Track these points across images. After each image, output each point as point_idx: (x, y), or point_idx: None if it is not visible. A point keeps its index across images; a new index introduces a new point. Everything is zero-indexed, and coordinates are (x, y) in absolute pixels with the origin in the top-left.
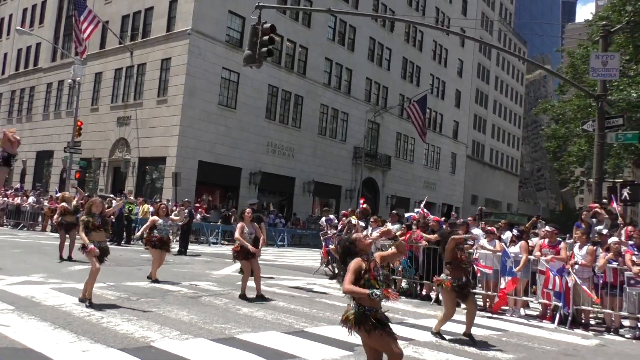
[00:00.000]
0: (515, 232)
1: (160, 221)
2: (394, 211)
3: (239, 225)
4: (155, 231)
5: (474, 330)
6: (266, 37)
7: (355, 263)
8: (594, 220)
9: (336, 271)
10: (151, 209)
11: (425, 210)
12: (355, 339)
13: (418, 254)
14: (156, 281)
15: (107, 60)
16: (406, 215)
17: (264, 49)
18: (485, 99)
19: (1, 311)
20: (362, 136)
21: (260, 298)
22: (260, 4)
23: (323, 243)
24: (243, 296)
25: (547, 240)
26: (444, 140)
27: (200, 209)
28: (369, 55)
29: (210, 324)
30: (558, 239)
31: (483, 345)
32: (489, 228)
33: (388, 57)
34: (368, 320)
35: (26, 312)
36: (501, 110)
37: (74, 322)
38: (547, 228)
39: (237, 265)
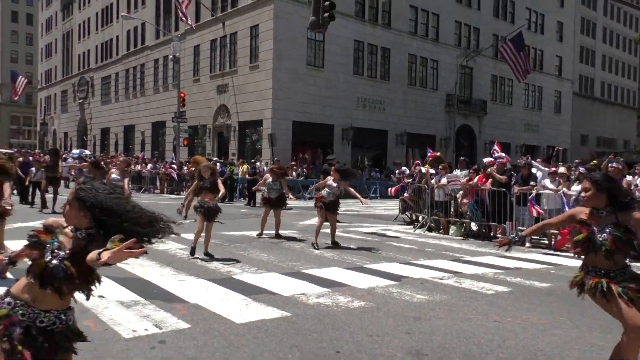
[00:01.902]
0: (581, 169)
1: (270, 180)
2: (461, 157)
3: (326, 180)
4: (265, 190)
5: (526, 265)
6: (327, 3)
7: None
8: None
9: (413, 218)
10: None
11: (496, 152)
12: (402, 270)
13: (483, 197)
14: (279, 236)
15: (203, 33)
16: (484, 160)
17: (326, 14)
18: (593, 27)
19: None
20: (454, 83)
21: (334, 244)
22: None
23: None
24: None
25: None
26: (545, 78)
27: (294, 167)
28: None
29: (284, 262)
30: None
31: (525, 274)
32: (553, 168)
33: None
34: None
35: (182, 270)
36: (612, 38)
37: (176, 261)
38: (614, 164)
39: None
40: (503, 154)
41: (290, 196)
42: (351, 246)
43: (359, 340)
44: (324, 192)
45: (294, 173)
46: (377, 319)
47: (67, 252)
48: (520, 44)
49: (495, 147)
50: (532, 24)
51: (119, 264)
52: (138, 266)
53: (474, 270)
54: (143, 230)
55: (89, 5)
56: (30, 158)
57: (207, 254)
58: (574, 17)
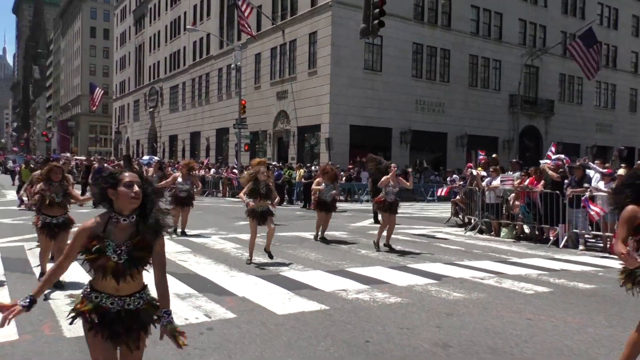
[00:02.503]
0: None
1: (323, 185)
2: (513, 160)
3: (384, 179)
4: (318, 193)
5: (574, 267)
6: (377, 10)
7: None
8: None
9: (465, 220)
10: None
11: (552, 154)
12: (444, 270)
13: (535, 199)
14: (324, 240)
15: (264, 42)
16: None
17: (376, 22)
18: None
19: (182, 252)
20: (518, 83)
21: (388, 247)
22: None
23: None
24: (376, 245)
25: None
26: (620, 75)
27: (350, 170)
28: None
29: (330, 261)
30: None
31: (571, 276)
32: (606, 170)
33: None
34: None
35: (199, 253)
36: None
37: (230, 259)
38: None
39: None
40: (562, 155)
41: (340, 197)
42: (398, 247)
43: (389, 332)
44: (383, 193)
45: (349, 176)
46: (410, 313)
47: (127, 244)
48: (591, 40)
49: (552, 147)
50: (604, 19)
51: (177, 261)
52: (195, 263)
53: (518, 271)
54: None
55: (159, 19)
56: (105, 164)
57: (268, 253)
58: None
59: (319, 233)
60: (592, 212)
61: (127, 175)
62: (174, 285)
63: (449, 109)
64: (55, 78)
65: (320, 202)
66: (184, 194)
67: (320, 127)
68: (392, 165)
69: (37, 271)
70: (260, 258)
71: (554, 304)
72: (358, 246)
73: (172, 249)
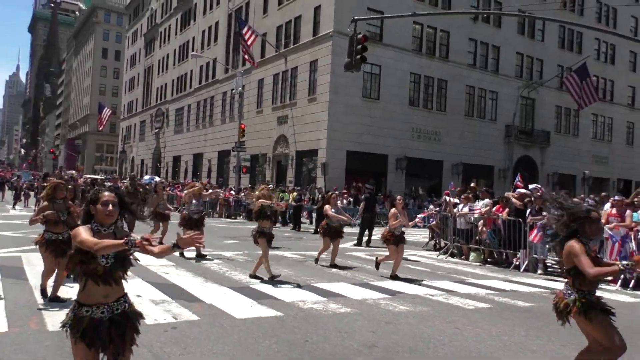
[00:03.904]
0: (589, 201)
1: (332, 210)
2: (484, 189)
3: (392, 211)
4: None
5: (524, 288)
6: (359, 46)
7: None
8: None
9: (442, 244)
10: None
11: (520, 184)
12: (401, 287)
13: (499, 226)
14: (335, 266)
15: (267, 68)
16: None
17: (358, 57)
18: None
19: (166, 265)
20: (513, 113)
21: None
22: (355, 17)
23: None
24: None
25: (615, 209)
26: (616, 109)
27: (345, 195)
28: (519, 29)
29: (300, 277)
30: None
31: (516, 296)
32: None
33: (542, 28)
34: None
35: (181, 267)
36: None
37: (208, 273)
38: (617, 197)
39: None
40: (538, 185)
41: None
42: (368, 267)
43: (329, 335)
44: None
45: (344, 201)
46: (353, 321)
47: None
48: (584, 73)
49: (518, 177)
50: (601, 54)
51: (159, 273)
52: (175, 275)
53: (470, 290)
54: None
55: (168, 42)
56: (109, 183)
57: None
58: None
59: (319, 257)
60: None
61: (106, 195)
62: (152, 293)
63: (445, 137)
64: (66, 96)
65: (331, 228)
66: (196, 215)
67: (317, 152)
68: (399, 198)
69: (32, 282)
70: (238, 272)
71: (487, 317)
72: (326, 266)
73: (157, 262)
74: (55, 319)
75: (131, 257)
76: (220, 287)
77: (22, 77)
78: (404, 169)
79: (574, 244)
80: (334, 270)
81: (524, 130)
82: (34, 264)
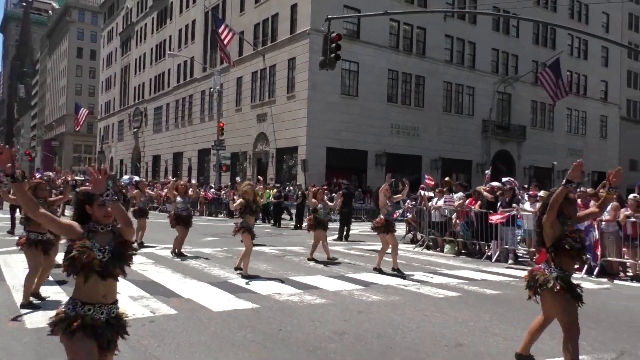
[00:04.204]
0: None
1: (320, 205)
2: (457, 182)
3: (384, 186)
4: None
5: (494, 277)
6: (333, 45)
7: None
8: None
9: (418, 237)
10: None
11: (488, 178)
12: (376, 279)
13: (472, 218)
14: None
15: (245, 66)
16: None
17: (332, 55)
18: None
19: (145, 263)
20: (489, 109)
21: (397, 271)
22: (328, 16)
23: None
24: (378, 269)
25: (579, 200)
26: (589, 103)
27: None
28: (494, 26)
29: (277, 271)
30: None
31: (485, 284)
32: (532, 192)
33: (516, 24)
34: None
35: (160, 264)
36: None
37: (187, 269)
38: (582, 189)
39: (334, 236)
40: (511, 179)
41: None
42: (345, 260)
43: (302, 324)
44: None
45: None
46: (327, 311)
47: (110, 244)
48: (557, 69)
49: (487, 172)
50: (574, 50)
51: (138, 271)
52: (154, 272)
53: (442, 280)
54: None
55: (145, 41)
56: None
57: (239, 268)
58: (621, 41)
59: (312, 253)
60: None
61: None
62: (130, 289)
63: (424, 132)
64: (41, 97)
65: (319, 221)
66: (185, 212)
67: (297, 149)
68: (389, 175)
69: (10, 283)
70: (216, 268)
71: (455, 305)
72: (306, 259)
73: (136, 260)
74: (33, 317)
75: (130, 253)
76: (198, 282)
77: None
78: (384, 165)
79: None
80: (311, 264)
81: (501, 125)
82: (11, 265)
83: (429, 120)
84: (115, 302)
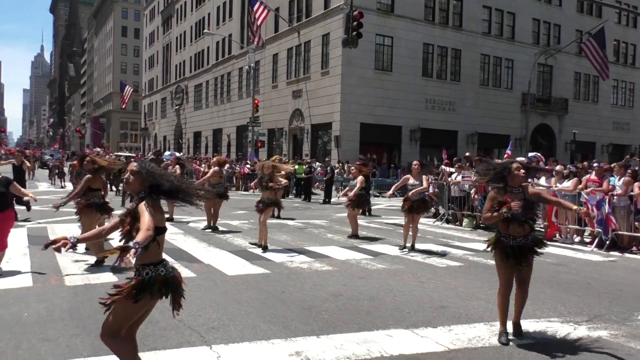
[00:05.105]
0: (571, 167)
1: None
2: (477, 157)
3: (405, 177)
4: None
5: None
6: (355, 23)
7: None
8: None
9: (440, 212)
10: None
11: (509, 153)
12: (386, 250)
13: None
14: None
15: (281, 42)
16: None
17: (354, 33)
18: None
19: (176, 233)
20: (528, 81)
21: (411, 248)
22: None
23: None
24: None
25: (593, 174)
26: (638, 73)
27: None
28: None
29: (295, 242)
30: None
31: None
32: (547, 167)
33: None
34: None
35: (189, 234)
36: None
37: (212, 239)
38: (600, 164)
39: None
40: (538, 154)
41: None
42: (363, 232)
43: (304, 287)
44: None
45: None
46: (330, 277)
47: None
48: (602, 40)
49: (510, 147)
50: (623, 17)
51: (168, 240)
52: (182, 242)
53: (449, 251)
54: (178, 195)
55: (185, 19)
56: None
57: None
58: None
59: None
60: None
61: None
62: None
63: (460, 107)
64: (89, 76)
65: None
66: (221, 189)
67: (331, 125)
68: (415, 162)
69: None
70: (238, 238)
71: (454, 274)
72: (327, 230)
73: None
74: (72, 278)
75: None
76: (220, 250)
77: (47, 57)
78: (418, 140)
79: (490, 191)
80: (329, 235)
81: (541, 98)
82: (57, 233)
83: (465, 94)
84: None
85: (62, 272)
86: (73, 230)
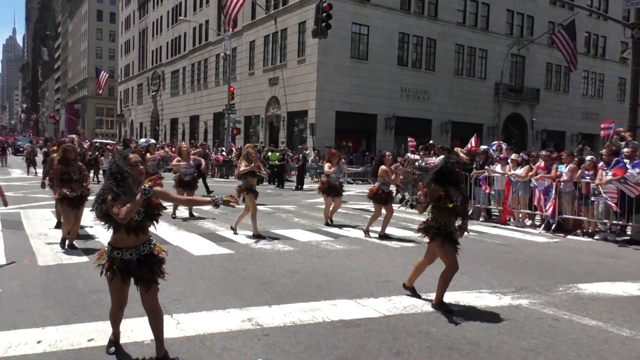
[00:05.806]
0: (524, 155)
1: (333, 169)
2: (439, 145)
3: (382, 168)
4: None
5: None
6: (324, 14)
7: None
8: (622, 143)
9: (406, 198)
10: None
11: (472, 143)
12: (346, 232)
13: None
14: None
15: (258, 29)
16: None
17: (324, 24)
18: None
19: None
20: (501, 72)
21: (385, 237)
22: None
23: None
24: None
25: (543, 162)
26: (608, 65)
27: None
28: None
29: (261, 225)
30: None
31: None
32: (503, 155)
33: None
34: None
35: (182, 228)
36: None
37: (182, 223)
38: (544, 152)
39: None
40: (501, 142)
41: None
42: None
43: (264, 265)
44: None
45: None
46: (290, 256)
47: (143, 205)
48: (573, 32)
49: (472, 140)
50: (594, 11)
51: None
52: (165, 232)
53: (407, 234)
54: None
55: (161, 4)
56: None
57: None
58: None
59: (330, 217)
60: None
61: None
62: None
63: (434, 96)
64: (63, 60)
65: (330, 186)
66: (188, 177)
67: (307, 113)
68: (387, 153)
69: (28, 232)
70: (209, 223)
71: (407, 254)
72: (295, 215)
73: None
74: (44, 258)
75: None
76: (190, 234)
77: (19, 40)
78: (393, 128)
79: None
80: (296, 219)
81: (514, 88)
82: (30, 217)
83: (439, 83)
84: (145, 242)
85: (35, 254)
86: (47, 215)
